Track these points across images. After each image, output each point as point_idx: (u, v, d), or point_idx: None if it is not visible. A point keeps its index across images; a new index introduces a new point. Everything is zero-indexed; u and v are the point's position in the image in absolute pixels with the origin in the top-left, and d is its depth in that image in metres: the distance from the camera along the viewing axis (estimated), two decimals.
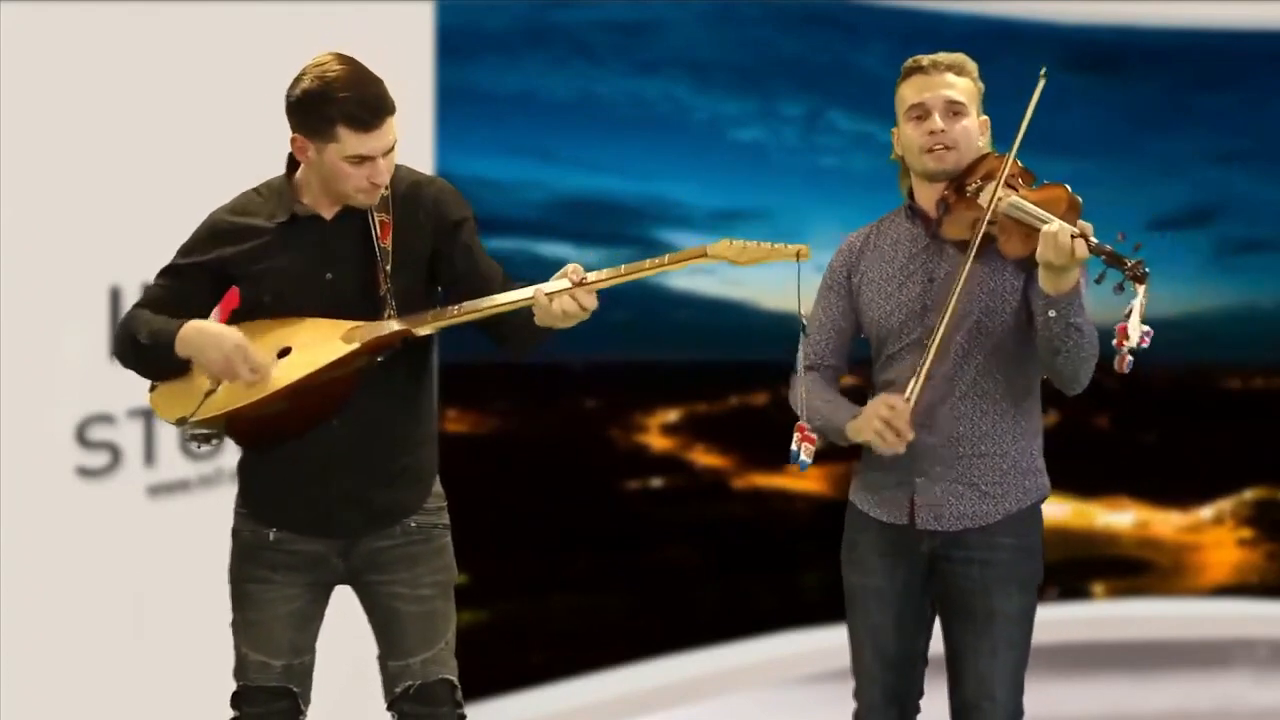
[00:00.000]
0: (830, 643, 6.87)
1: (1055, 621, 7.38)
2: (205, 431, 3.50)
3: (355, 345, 3.42)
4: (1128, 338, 3.26)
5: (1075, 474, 7.57)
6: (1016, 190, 3.53)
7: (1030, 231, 3.44)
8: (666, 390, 7.26)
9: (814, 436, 3.51)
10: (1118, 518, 7.70)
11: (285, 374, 3.43)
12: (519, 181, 6.75)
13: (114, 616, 5.47)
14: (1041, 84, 3.58)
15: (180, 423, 3.47)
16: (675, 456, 7.28)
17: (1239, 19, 7.32)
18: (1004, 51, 7.08)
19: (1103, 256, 3.36)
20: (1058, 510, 7.59)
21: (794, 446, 3.49)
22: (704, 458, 7.31)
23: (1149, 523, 7.72)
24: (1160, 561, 7.75)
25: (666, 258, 3.43)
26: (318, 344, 3.44)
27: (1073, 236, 3.33)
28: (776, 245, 3.43)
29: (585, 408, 7.16)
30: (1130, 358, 3.26)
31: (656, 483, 7.27)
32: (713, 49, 7.07)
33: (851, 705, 3.73)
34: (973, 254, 3.49)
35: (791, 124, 7.26)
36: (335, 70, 3.40)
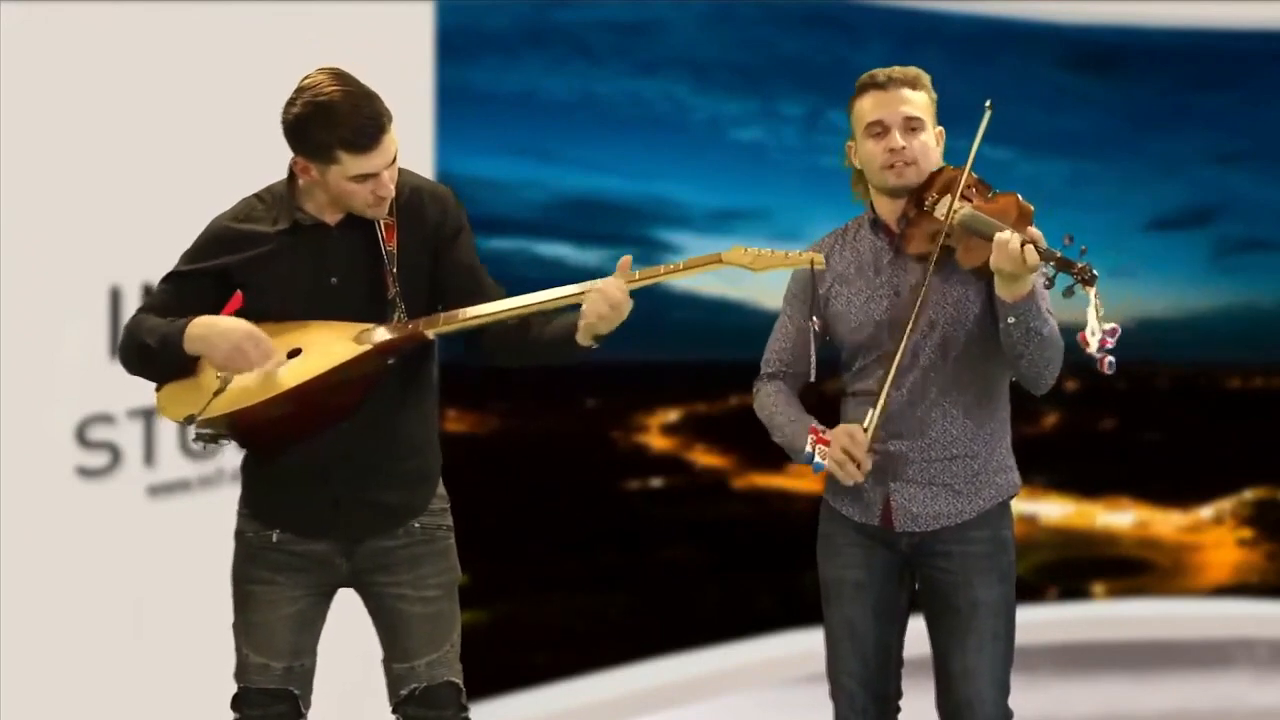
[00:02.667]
0: None
1: (1055, 621, 7.40)
2: (212, 432, 3.47)
3: (367, 347, 3.42)
4: (1088, 344, 3.30)
5: (1076, 474, 7.58)
6: (971, 202, 3.58)
7: (985, 242, 3.48)
8: (666, 390, 7.27)
9: (828, 439, 3.57)
10: (1118, 518, 7.70)
11: (295, 374, 3.41)
12: (519, 181, 6.75)
13: (114, 617, 5.47)
14: (988, 115, 3.61)
15: (188, 421, 3.44)
16: (675, 456, 7.28)
17: (1239, 19, 7.32)
18: (1004, 51, 7.08)
19: (1052, 262, 3.39)
20: (1058, 510, 7.59)
21: (809, 449, 3.57)
22: (704, 458, 7.32)
23: (1149, 523, 7.73)
24: (1160, 561, 7.75)
25: (681, 263, 3.44)
26: (328, 345, 3.43)
27: (1022, 244, 3.37)
28: (791, 253, 3.45)
29: (585, 408, 7.16)
30: (1110, 358, 3.31)
31: (656, 483, 7.28)
32: (713, 49, 7.07)
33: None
34: (931, 269, 3.55)
35: (791, 124, 7.27)
36: (328, 92, 3.38)
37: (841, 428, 3.59)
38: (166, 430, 5.46)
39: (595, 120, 6.88)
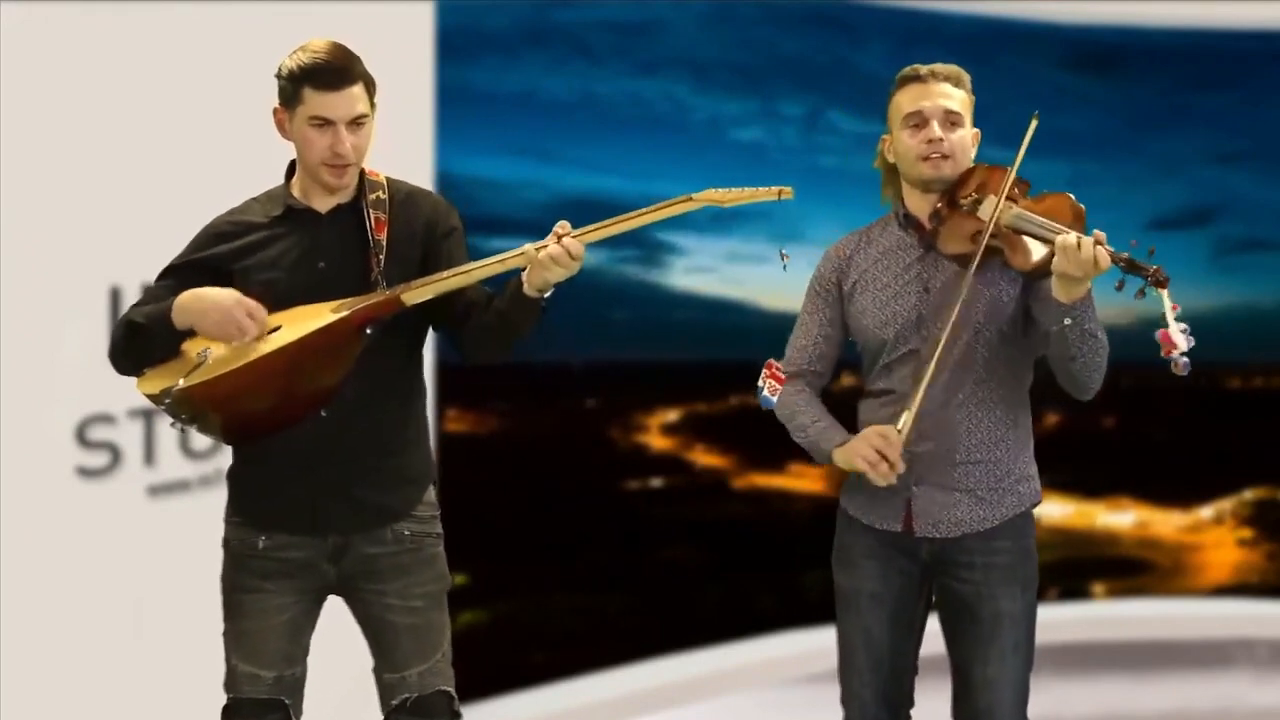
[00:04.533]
0: (831, 643, 6.86)
1: (1055, 621, 7.38)
2: (190, 413, 3.44)
3: (345, 313, 3.42)
4: (1175, 344, 3.27)
5: (1076, 474, 7.57)
6: (1016, 202, 3.52)
7: (1038, 243, 3.42)
8: (666, 390, 7.26)
9: (782, 376, 3.56)
10: (1118, 518, 7.70)
11: (274, 343, 3.41)
12: (519, 181, 6.75)
13: (114, 617, 5.47)
14: (1034, 126, 3.53)
15: (164, 394, 3.41)
16: (675, 456, 7.28)
17: (1239, 19, 7.32)
18: (1004, 51, 7.08)
19: (1120, 264, 3.34)
20: (1058, 510, 7.59)
21: (760, 383, 3.55)
22: (704, 458, 7.31)
23: (1149, 523, 7.72)
24: (1160, 561, 7.75)
25: (654, 207, 3.43)
26: (308, 317, 3.44)
27: (1094, 245, 3.31)
28: (759, 189, 3.43)
29: (585, 408, 7.16)
30: (1185, 359, 3.27)
31: (656, 483, 7.27)
32: (713, 49, 7.07)
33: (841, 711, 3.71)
34: (973, 270, 3.48)
35: (791, 124, 7.27)
36: (316, 42, 3.51)
37: (873, 428, 3.53)
38: (166, 430, 5.45)
39: (595, 120, 6.88)
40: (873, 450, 3.49)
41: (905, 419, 3.49)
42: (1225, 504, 7.73)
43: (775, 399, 3.56)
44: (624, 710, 6.80)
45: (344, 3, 5.36)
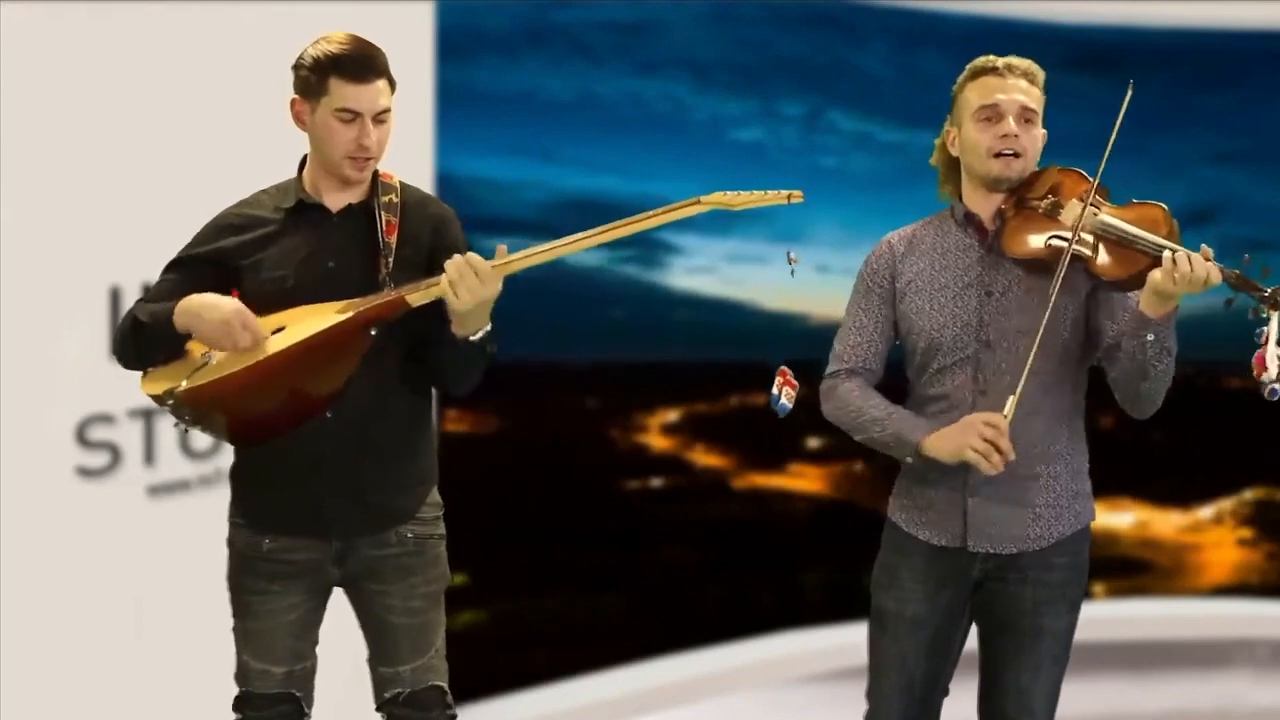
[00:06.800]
0: (830, 643, 6.87)
1: None
2: (192, 414, 3.43)
3: (350, 314, 3.41)
4: (1266, 369, 3.22)
5: None
6: (1099, 209, 3.42)
7: (1131, 253, 3.33)
8: (666, 390, 7.26)
9: (795, 382, 3.44)
10: (1118, 518, 7.70)
11: (278, 345, 3.41)
12: (519, 181, 6.75)
13: (114, 617, 5.47)
14: (1129, 95, 3.49)
15: (168, 395, 3.40)
16: (675, 456, 7.28)
17: (1239, 19, 7.32)
18: (1003, 52, 7.07)
19: (1231, 281, 3.25)
20: None
21: (775, 391, 3.42)
22: (704, 458, 7.31)
23: (1149, 523, 7.72)
24: (1160, 561, 7.75)
25: (661, 210, 3.38)
26: (312, 317, 3.44)
27: (1204, 261, 3.23)
28: (768, 193, 3.40)
29: (585, 408, 7.16)
30: (1275, 385, 3.23)
31: (656, 483, 7.27)
32: (713, 49, 7.07)
33: (855, 708, 3.67)
34: (1062, 274, 3.33)
35: (791, 124, 7.27)
36: (337, 34, 3.50)
37: (979, 415, 3.35)
38: (166, 430, 5.46)
39: (595, 120, 6.88)
40: (982, 440, 3.32)
41: (1011, 403, 3.32)
42: (1225, 504, 7.72)
43: (791, 405, 3.42)
44: (624, 710, 6.80)
45: (344, 3, 5.36)
